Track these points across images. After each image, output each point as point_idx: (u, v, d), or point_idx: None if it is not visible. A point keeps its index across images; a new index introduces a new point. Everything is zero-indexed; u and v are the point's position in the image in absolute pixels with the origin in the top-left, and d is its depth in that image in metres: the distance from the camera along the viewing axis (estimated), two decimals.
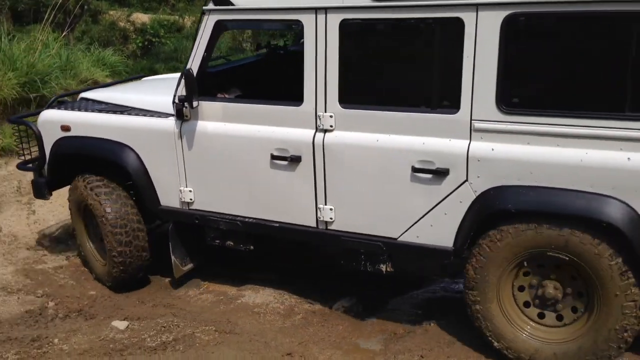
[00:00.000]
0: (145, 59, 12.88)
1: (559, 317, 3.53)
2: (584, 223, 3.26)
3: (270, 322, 4.33)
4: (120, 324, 4.20)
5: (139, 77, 6.32)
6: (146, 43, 13.94)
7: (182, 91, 4.09)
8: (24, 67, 7.78)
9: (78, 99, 5.08)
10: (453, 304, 4.46)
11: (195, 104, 4.05)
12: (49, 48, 8.78)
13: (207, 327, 4.14)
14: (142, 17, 15.52)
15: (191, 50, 4.09)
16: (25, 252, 5.61)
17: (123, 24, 14.96)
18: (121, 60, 10.31)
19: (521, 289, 3.60)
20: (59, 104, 5.05)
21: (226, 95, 4.41)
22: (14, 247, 5.69)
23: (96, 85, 7.85)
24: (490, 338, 3.63)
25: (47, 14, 9.22)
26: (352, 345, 4.03)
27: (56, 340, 4.00)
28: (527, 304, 3.60)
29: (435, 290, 4.81)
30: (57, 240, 5.83)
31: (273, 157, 3.93)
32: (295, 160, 3.86)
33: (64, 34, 9.74)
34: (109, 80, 8.56)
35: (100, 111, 4.64)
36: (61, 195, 6.41)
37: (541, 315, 3.57)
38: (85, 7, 12.78)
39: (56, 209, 6.37)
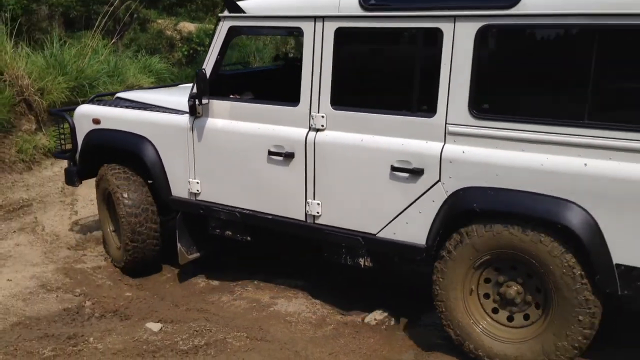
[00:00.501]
0: (190, 67, 13.12)
1: (524, 317, 3.67)
2: (542, 225, 3.40)
3: (301, 331, 4.31)
4: (154, 326, 4.25)
5: (176, 85, 6.54)
6: (191, 52, 14.20)
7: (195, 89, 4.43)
8: (74, 72, 8.02)
9: (114, 98, 5.44)
10: None
11: (205, 101, 4.40)
12: (98, 54, 9.04)
13: (238, 333, 4.15)
14: (188, 26, 15.83)
15: (206, 53, 4.46)
16: (66, 251, 5.74)
17: (170, 32, 15.28)
18: (167, 68, 10.54)
19: (485, 289, 3.76)
20: (98, 101, 5.45)
21: (237, 97, 4.68)
22: (55, 246, 5.84)
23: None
24: (451, 331, 3.81)
25: (97, 21, 9.50)
26: (383, 358, 3.98)
27: (91, 339, 4.07)
28: (485, 296, 3.76)
29: None
30: (96, 241, 5.95)
31: (270, 153, 4.21)
32: (289, 156, 4.14)
33: (113, 41, 10.00)
34: None
35: (127, 107, 5.03)
36: None
37: (494, 311, 3.75)
38: (135, 15, 13.11)
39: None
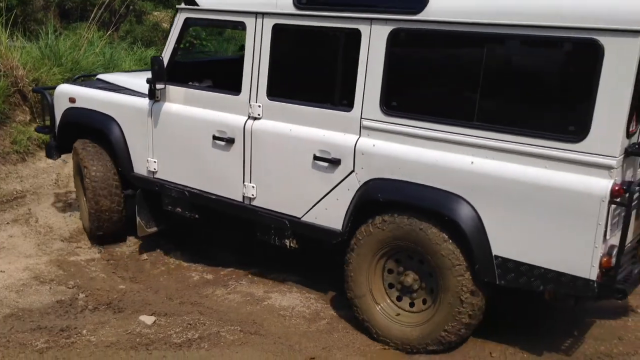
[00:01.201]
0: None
1: (411, 303, 4.01)
2: (433, 217, 3.69)
3: (295, 325, 4.31)
4: (148, 319, 4.24)
5: None
6: (187, 44, 14.14)
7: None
8: (69, 63, 7.99)
9: (95, 79, 5.85)
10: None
11: (161, 86, 4.76)
12: (93, 46, 9.00)
13: (232, 326, 4.15)
14: None
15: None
16: (60, 243, 5.72)
17: (166, 25, 15.22)
18: None
19: (390, 272, 4.06)
20: (82, 81, 5.84)
21: (197, 84, 5.05)
22: (49, 238, 5.81)
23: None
24: (357, 312, 4.14)
25: (93, 12, 9.45)
26: (377, 353, 3.98)
27: (84, 332, 4.06)
28: (391, 286, 4.08)
29: None
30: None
31: (214, 137, 4.56)
32: (230, 141, 4.48)
33: (108, 33, 9.96)
34: None
35: (100, 88, 5.41)
36: None
37: (399, 299, 4.05)
38: (131, 7, 13.05)
39: None
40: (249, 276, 5.08)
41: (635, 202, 3.40)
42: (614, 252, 3.32)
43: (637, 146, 3.34)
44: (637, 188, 3.33)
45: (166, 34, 14.31)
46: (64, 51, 8.12)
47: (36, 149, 7.07)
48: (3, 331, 4.04)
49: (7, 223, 6.07)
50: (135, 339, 3.99)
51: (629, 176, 3.40)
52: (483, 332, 3.99)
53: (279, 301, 4.63)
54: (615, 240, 3.36)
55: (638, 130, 3.39)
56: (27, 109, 7.21)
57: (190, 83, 4.95)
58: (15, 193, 6.48)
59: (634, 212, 3.45)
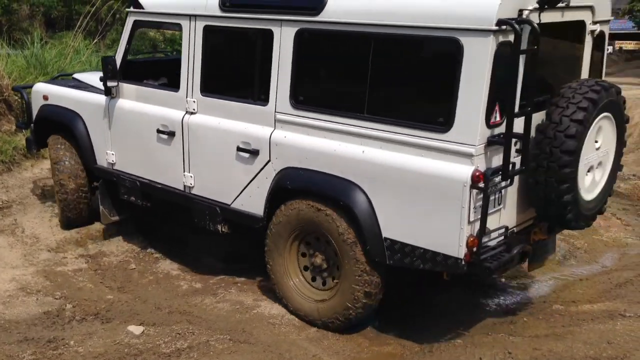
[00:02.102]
0: None
1: (324, 282, 4.36)
2: (331, 202, 4.04)
3: (285, 333, 4.30)
4: (136, 329, 4.20)
5: None
6: (174, 52, 14.10)
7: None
8: (55, 72, 7.93)
9: (71, 78, 6.19)
10: (477, 321, 4.40)
11: (113, 84, 5.14)
12: (79, 54, 8.96)
13: (222, 335, 4.12)
14: None
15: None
16: (46, 253, 5.67)
17: (153, 34, 15.16)
18: None
19: (304, 256, 4.42)
20: (61, 80, 6.23)
21: (152, 82, 5.41)
22: (35, 248, 5.75)
23: None
24: (277, 291, 4.54)
25: (79, 21, 9.41)
26: None
27: (72, 343, 4.02)
28: (306, 268, 4.42)
29: (461, 307, 4.75)
30: (77, 244, 5.87)
31: (158, 131, 4.94)
32: (171, 134, 4.87)
33: (94, 41, 9.91)
34: None
35: (70, 87, 5.78)
36: None
37: (313, 279, 4.41)
38: (117, 15, 13.00)
39: None
40: (238, 284, 5.06)
41: (504, 186, 3.73)
42: (483, 232, 3.59)
43: (498, 136, 3.57)
44: (499, 174, 3.60)
45: (153, 42, 14.29)
46: (50, 60, 8.08)
47: (22, 158, 7.01)
48: None
49: None
50: (123, 349, 3.95)
51: (494, 164, 3.64)
52: (472, 336, 4.00)
53: (268, 309, 4.61)
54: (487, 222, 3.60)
55: (505, 121, 3.59)
56: (12, 118, 7.15)
57: (146, 81, 5.33)
58: (0, 203, 6.42)
59: (515, 195, 3.88)
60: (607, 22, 4.43)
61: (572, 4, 3.90)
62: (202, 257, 5.58)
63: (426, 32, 3.57)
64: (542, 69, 3.82)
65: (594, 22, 4.23)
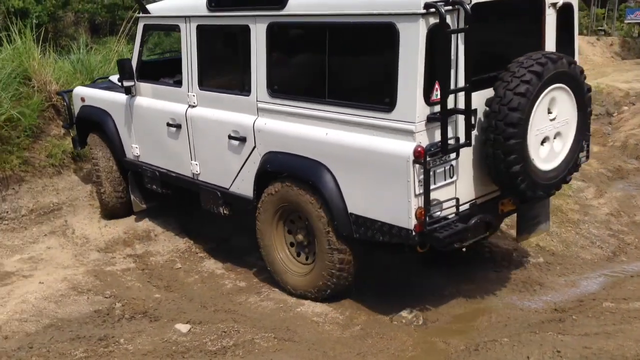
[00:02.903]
0: None
1: (307, 257, 4.72)
2: (303, 182, 4.38)
3: (328, 331, 4.31)
4: (183, 327, 4.28)
5: None
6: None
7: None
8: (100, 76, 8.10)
9: (107, 80, 6.68)
10: (518, 320, 4.32)
11: (129, 83, 5.59)
12: None
13: (266, 333, 4.16)
14: None
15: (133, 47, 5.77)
16: (96, 254, 5.82)
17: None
18: None
19: (290, 233, 4.77)
20: (100, 83, 6.73)
21: (167, 80, 5.74)
22: (85, 248, 5.92)
23: None
24: (268, 266, 4.92)
25: (122, 26, 9.60)
26: (411, 358, 3.95)
27: (122, 340, 4.12)
28: (292, 245, 4.78)
29: (507, 305, 4.68)
30: (125, 244, 6.02)
31: (168, 124, 5.38)
32: (178, 127, 5.32)
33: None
34: None
35: (102, 88, 6.28)
36: None
37: (298, 254, 4.77)
38: None
39: None
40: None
41: (450, 160, 3.95)
42: (433, 204, 3.89)
43: (441, 112, 3.77)
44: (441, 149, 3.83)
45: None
46: (95, 65, 8.26)
47: (71, 161, 7.20)
48: (43, 341, 4.12)
49: (45, 235, 6.20)
50: (171, 347, 4.03)
51: (439, 139, 3.85)
52: (519, 335, 3.93)
53: (312, 307, 4.63)
54: (436, 194, 3.92)
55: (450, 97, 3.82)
56: (60, 122, 7.35)
57: (162, 79, 5.69)
58: (52, 205, 6.62)
59: (474, 167, 4.13)
60: None
61: None
62: (246, 256, 5.64)
63: (368, 19, 3.88)
64: (495, 46, 4.18)
65: None
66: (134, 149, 5.93)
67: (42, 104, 7.20)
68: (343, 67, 4.22)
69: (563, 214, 6.50)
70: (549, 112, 4.12)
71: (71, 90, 6.74)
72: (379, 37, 3.91)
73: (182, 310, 4.65)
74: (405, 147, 3.81)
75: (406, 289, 4.94)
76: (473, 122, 3.96)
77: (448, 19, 3.71)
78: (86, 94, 6.44)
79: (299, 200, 4.43)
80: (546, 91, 4.01)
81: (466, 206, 4.16)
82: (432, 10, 3.63)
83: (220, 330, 4.20)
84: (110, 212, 6.34)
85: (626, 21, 20.99)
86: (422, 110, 3.78)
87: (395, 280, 5.10)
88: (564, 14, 4.49)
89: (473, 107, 3.89)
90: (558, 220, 6.31)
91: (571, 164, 4.38)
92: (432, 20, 3.67)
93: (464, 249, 4.25)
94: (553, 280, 5.10)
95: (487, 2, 3.96)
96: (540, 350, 3.70)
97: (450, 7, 3.72)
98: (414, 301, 4.67)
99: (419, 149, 3.76)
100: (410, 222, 3.89)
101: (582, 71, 4.26)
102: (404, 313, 4.44)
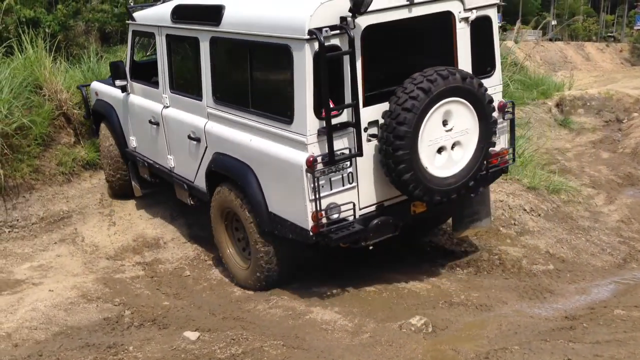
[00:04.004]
0: None
1: (248, 253, 5.10)
2: (232, 183, 4.88)
3: (338, 339, 4.29)
4: (192, 335, 4.28)
5: None
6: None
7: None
8: None
9: None
10: (529, 328, 4.29)
11: (122, 83, 6.18)
12: None
13: (275, 341, 4.15)
14: None
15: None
16: (105, 261, 5.84)
17: None
18: None
19: (237, 229, 5.19)
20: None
21: (154, 81, 6.10)
22: (94, 256, 5.94)
23: None
24: (223, 260, 5.41)
25: None
26: None
27: (131, 348, 4.12)
28: (239, 240, 5.24)
29: (517, 312, 4.65)
30: (134, 251, 6.04)
31: (149, 122, 5.92)
32: (157, 124, 5.85)
33: (147, 54, 10.15)
34: None
35: (111, 85, 6.56)
36: (139, 210, 6.70)
37: (243, 249, 5.21)
38: None
39: (135, 221, 6.62)
40: (290, 290, 5.09)
41: (342, 169, 4.35)
42: (328, 208, 4.31)
43: (327, 127, 4.13)
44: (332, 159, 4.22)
45: None
46: (106, 73, 8.31)
47: (81, 169, 7.25)
48: (53, 349, 4.14)
49: (55, 243, 6.23)
50: (180, 354, 4.03)
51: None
52: (529, 342, 3.90)
53: (320, 315, 4.62)
54: (334, 198, 4.36)
55: (342, 111, 4.28)
56: (71, 131, 7.41)
57: (153, 79, 6.08)
58: (61, 213, 6.66)
59: (376, 174, 4.50)
60: (490, 6, 4.79)
61: None
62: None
63: (273, 40, 4.34)
64: (399, 62, 4.53)
65: (467, 10, 4.62)
66: (130, 141, 6.50)
67: (53, 112, 7.28)
68: (260, 81, 4.75)
69: (573, 221, 6.47)
70: (445, 124, 4.44)
71: (89, 85, 7.32)
72: (281, 57, 4.33)
73: (191, 317, 4.65)
74: (300, 157, 4.26)
75: (414, 297, 4.92)
76: (376, 132, 4.40)
77: (337, 42, 4.14)
78: (99, 89, 7.01)
79: (230, 199, 4.95)
80: (437, 105, 4.34)
81: (372, 208, 4.59)
82: (315, 35, 4.02)
83: (229, 338, 4.19)
84: (113, 193, 7.02)
85: (635, 27, 20.98)
86: (314, 124, 4.22)
87: (403, 288, 5.08)
88: (481, 26, 4.74)
89: (375, 119, 4.39)
90: (568, 227, 6.29)
91: (474, 170, 4.65)
92: (317, 45, 4.04)
93: (370, 247, 4.64)
94: (563, 288, 5.07)
95: (385, 23, 4.30)
96: (551, 358, 3.68)
97: (337, 32, 4.10)
98: (423, 309, 4.65)
99: (311, 158, 4.19)
100: (308, 224, 4.33)
101: (480, 84, 4.52)
102: (413, 321, 4.42)
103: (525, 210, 6.26)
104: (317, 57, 4.07)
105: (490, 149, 4.80)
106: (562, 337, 4.07)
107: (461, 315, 4.63)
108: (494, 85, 4.93)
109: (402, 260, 5.67)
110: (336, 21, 4.11)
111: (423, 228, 5.86)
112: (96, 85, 7.13)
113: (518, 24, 15.80)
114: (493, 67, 4.93)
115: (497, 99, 4.95)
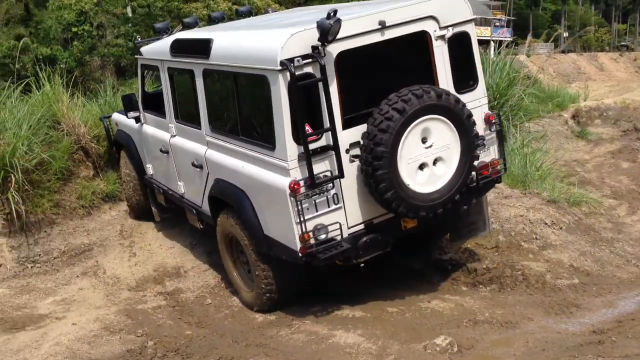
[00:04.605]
0: None
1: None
2: (231, 207, 5.05)
3: None
4: None
5: None
6: None
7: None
8: None
9: None
10: (556, 344, 4.22)
11: (134, 114, 6.50)
12: None
13: None
14: None
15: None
16: (127, 292, 5.86)
17: None
18: None
19: (242, 252, 5.26)
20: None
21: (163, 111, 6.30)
22: (116, 288, 5.97)
23: None
24: (232, 282, 5.57)
25: None
26: None
27: None
28: (243, 264, 5.34)
29: (543, 327, 4.57)
30: (155, 281, 6.06)
31: (160, 150, 6.14)
32: (167, 152, 6.06)
33: (159, 85, 10.28)
34: None
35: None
36: (159, 240, 6.74)
37: (248, 273, 5.27)
38: None
39: (155, 251, 6.65)
40: (312, 314, 5.06)
41: (332, 190, 4.48)
42: (315, 229, 4.43)
43: (305, 152, 4.26)
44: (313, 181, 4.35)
45: None
46: (122, 106, 8.44)
47: (101, 202, 7.32)
48: None
49: (77, 276, 6.28)
50: None
51: (317, 172, 4.37)
52: (557, 359, 3.82)
53: (344, 338, 4.58)
54: (321, 219, 4.47)
55: (321, 135, 4.40)
56: (90, 164, 7.50)
57: (162, 110, 6.24)
58: (82, 246, 6.71)
59: (362, 193, 4.57)
60: (467, 22, 4.83)
61: (400, 20, 4.51)
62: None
63: (253, 71, 4.52)
64: (378, 83, 4.57)
65: (443, 28, 4.67)
66: (148, 169, 6.73)
67: (72, 146, 7.38)
68: (246, 109, 4.88)
69: (596, 233, 6.38)
70: (424, 141, 4.50)
71: (110, 116, 7.63)
72: (260, 86, 4.50)
73: (214, 346, 4.64)
74: (283, 182, 4.40)
75: (438, 316, 4.86)
76: (359, 153, 4.48)
77: (311, 70, 4.28)
78: (118, 120, 7.31)
79: (232, 225, 5.08)
80: (414, 124, 4.40)
81: (360, 227, 4.67)
82: (291, 65, 4.16)
83: None
84: (136, 217, 7.26)
85: None
86: (293, 150, 4.36)
87: (426, 308, 5.02)
88: (459, 42, 4.79)
89: (357, 140, 4.48)
90: (591, 239, 6.19)
91: (459, 184, 4.67)
92: (291, 73, 4.18)
93: (362, 265, 4.74)
94: (589, 301, 4.98)
95: (359, 47, 4.41)
96: None
97: (309, 60, 4.24)
98: (447, 328, 4.59)
99: (293, 183, 4.33)
100: (297, 245, 4.44)
101: (457, 100, 4.57)
102: (438, 341, 4.36)
103: (546, 224, 6.18)
104: (290, 86, 4.22)
105: (480, 160, 4.84)
106: (590, 352, 3.99)
107: (486, 334, 4.56)
108: (478, 98, 4.96)
109: (423, 279, 5.62)
110: (308, 50, 4.24)
111: (428, 241, 5.84)
112: (116, 116, 7.43)
113: (529, 37, 15.80)
114: (475, 81, 4.96)
115: (483, 111, 4.99)
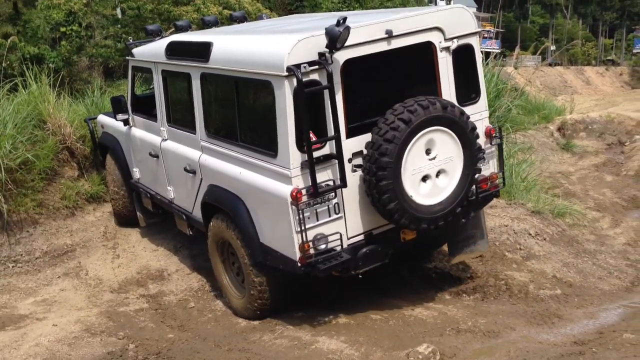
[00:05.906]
0: None
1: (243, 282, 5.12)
2: (227, 215, 4.93)
3: None
4: None
5: None
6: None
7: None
8: None
9: None
10: (537, 354, 4.24)
11: (123, 117, 6.37)
12: None
13: None
14: None
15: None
16: (109, 294, 5.81)
17: None
18: None
19: (232, 259, 5.25)
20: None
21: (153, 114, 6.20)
22: (98, 290, 5.91)
23: None
24: (221, 289, 5.48)
25: None
26: None
27: None
28: (235, 270, 5.28)
29: (524, 337, 4.59)
30: (138, 284, 6.01)
31: (150, 154, 6.04)
32: (157, 156, 5.96)
33: (150, 87, 10.25)
34: None
35: (112, 118, 6.80)
36: (143, 242, 6.70)
37: (242, 280, 5.15)
38: None
39: (139, 253, 6.61)
40: (296, 319, 5.05)
41: (327, 200, 4.39)
42: (315, 239, 4.34)
43: (308, 160, 4.19)
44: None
45: None
46: (109, 107, 8.39)
47: (85, 203, 7.26)
48: None
49: (59, 277, 6.22)
50: None
51: (319, 180, 4.29)
52: None
53: (327, 344, 4.57)
54: (321, 229, 4.39)
55: (325, 144, 4.35)
56: (75, 165, 7.44)
57: (153, 112, 6.15)
58: (65, 247, 6.65)
59: (363, 203, 4.53)
60: (472, 34, 4.84)
61: (406, 29, 4.48)
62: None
63: (256, 77, 4.43)
64: (382, 92, 4.58)
65: (448, 39, 4.67)
66: (134, 173, 6.62)
67: (57, 146, 7.31)
68: (247, 115, 4.79)
69: (579, 245, 6.43)
70: (428, 153, 4.47)
71: (95, 118, 7.52)
72: (264, 92, 4.44)
73: (196, 350, 4.61)
74: (285, 190, 4.32)
75: (421, 324, 4.87)
76: (361, 163, 4.43)
77: (317, 76, 4.21)
78: (104, 122, 7.21)
79: (226, 231, 4.99)
80: (419, 135, 4.37)
81: (360, 237, 4.62)
82: (296, 71, 4.09)
83: None
84: (121, 219, 7.13)
85: (634, 51, 21.16)
86: (297, 157, 4.28)
87: (410, 316, 5.03)
88: (463, 55, 4.79)
89: (360, 150, 4.45)
90: (574, 250, 6.24)
91: (461, 197, 4.65)
92: (297, 80, 4.11)
93: (360, 276, 4.72)
94: (571, 312, 5.01)
95: (365, 56, 4.37)
96: None
97: (316, 67, 4.18)
98: (430, 336, 4.60)
99: (295, 192, 4.25)
100: (296, 255, 4.36)
101: (462, 112, 4.54)
102: (421, 349, 4.36)
103: (530, 234, 6.23)
104: (296, 93, 4.16)
105: (480, 173, 4.83)
106: None
107: (469, 342, 4.58)
108: (480, 112, 4.96)
109: (407, 287, 5.63)
110: (315, 57, 4.19)
111: (422, 252, 5.87)
112: (102, 118, 7.30)
113: (517, 49, 15.93)
114: (478, 94, 4.97)
115: (484, 124, 4.99)
